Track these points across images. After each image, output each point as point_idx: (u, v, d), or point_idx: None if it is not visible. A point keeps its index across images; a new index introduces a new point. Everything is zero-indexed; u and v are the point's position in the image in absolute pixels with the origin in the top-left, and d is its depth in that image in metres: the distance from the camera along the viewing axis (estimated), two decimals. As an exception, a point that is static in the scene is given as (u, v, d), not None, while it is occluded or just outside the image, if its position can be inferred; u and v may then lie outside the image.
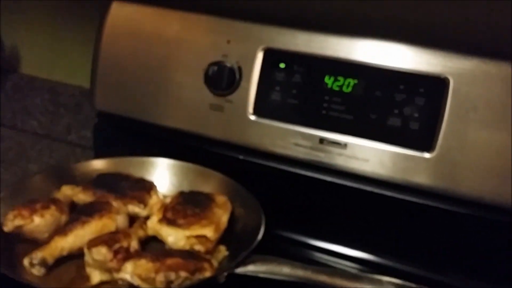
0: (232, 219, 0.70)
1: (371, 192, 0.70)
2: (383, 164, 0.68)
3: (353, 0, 0.77)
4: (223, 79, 0.74)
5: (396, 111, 0.67)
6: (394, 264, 0.70)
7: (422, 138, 0.66)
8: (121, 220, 0.67)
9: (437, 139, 0.65)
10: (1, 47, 1.08)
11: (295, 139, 0.72)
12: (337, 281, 0.54)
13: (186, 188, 0.75)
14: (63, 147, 1.03)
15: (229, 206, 0.71)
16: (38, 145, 1.03)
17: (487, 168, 0.64)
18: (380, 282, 0.53)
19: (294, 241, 0.74)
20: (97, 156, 0.87)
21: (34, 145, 1.03)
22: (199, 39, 0.76)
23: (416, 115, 0.66)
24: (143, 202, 0.71)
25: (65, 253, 0.62)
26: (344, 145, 0.70)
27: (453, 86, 0.65)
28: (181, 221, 0.66)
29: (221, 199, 0.71)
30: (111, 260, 0.58)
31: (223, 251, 0.65)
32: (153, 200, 0.71)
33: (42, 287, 0.58)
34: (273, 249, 0.61)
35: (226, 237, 0.67)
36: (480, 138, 0.64)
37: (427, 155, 0.66)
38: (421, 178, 0.67)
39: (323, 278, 0.55)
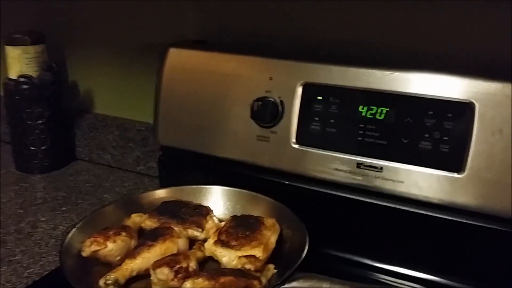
0: (280, 240, 0.77)
1: (407, 211, 0.75)
2: (417, 185, 0.73)
3: (378, 33, 0.83)
4: (267, 113, 0.82)
5: (426, 135, 0.72)
6: (430, 277, 0.74)
7: (452, 160, 0.71)
8: (181, 243, 0.76)
9: (466, 160, 0.70)
10: (78, 91, 1.22)
11: (334, 164, 0.78)
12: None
13: (238, 212, 0.83)
14: (133, 177, 1.15)
15: (277, 228, 0.78)
16: (111, 176, 1.16)
17: (516, 185, 0.67)
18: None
19: (337, 258, 0.80)
20: (162, 184, 0.97)
21: (108, 177, 1.15)
22: (245, 77, 0.84)
23: (445, 138, 0.71)
24: (201, 226, 0.79)
25: (134, 274, 0.71)
26: (380, 168, 0.75)
27: (479, 110, 0.69)
28: (233, 243, 0.74)
29: (269, 221, 0.79)
30: (173, 279, 0.67)
31: (271, 270, 0.72)
32: (209, 225, 0.79)
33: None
34: (317, 266, 0.68)
35: (275, 256, 0.74)
36: (506, 157, 0.67)
37: (457, 175, 0.71)
38: (453, 197, 0.71)
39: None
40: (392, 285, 0.68)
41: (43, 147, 1.14)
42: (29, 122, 1.12)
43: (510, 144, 0.67)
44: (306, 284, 0.64)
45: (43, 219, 0.97)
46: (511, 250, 0.69)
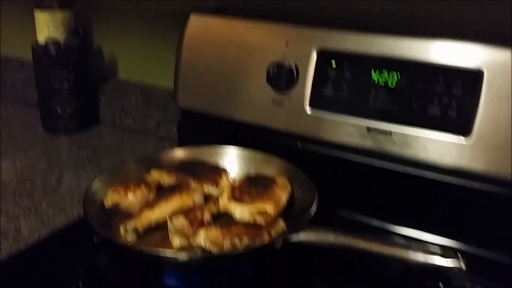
0: (291, 199, 0.81)
1: (415, 175, 0.78)
2: (424, 149, 0.76)
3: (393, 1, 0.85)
4: (282, 78, 0.85)
5: (436, 101, 0.75)
6: (435, 238, 0.77)
7: (460, 125, 0.73)
8: (197, 197, 0.80)
9: (473, 125, 0.72)
10: (102, 56, 1.26)
11: (346, 128, 0.82)
12: (374, 247, 0.63)
13: (252, 172, 0.87)
14: (154, 141, 1.19)
15: (288, 187, 0.82)
16: (133, 140, 1.20)
17: (520, 150, 0.70)
18: (411, 247, 0.62)
19: (345, 219, 0.83)
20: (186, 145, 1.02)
21: (130, 139, 1.20)
22: (262, 43, 0.87)
23: (453, 104, 0.74)
24: (216, 183, 0.83)
25: (152, 223, 0.76)
26: (389, 133, 0.78)
27: (487, 77, 0.71)
28: (246, 199, 0.78)
29: (281, 181, 0.82)
30: (188, 228, 0.71)
31: (281, 225, 0.75)
32: (224, 182, 0.83)
33: (134, 247, 0.72)
34: (326, 225, 0.71)
35: (286, 214, 0.78)
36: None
37: (464, 140, 0.73)
38: (460, 161, 0.74)
39: (361, 243, 0.64)
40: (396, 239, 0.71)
41: (69, 110, 1.19)
42: (56, 84, 1.16)
43: (516, 110, 0.69)
44: (312, 235, 0.68)
45: (68, 174, 1.02)
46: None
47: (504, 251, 0.74)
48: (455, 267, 0.58)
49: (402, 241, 0.63)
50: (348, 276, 0.74)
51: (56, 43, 1.13)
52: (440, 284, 0.71)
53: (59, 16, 1.14)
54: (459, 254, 0.60)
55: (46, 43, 1.14)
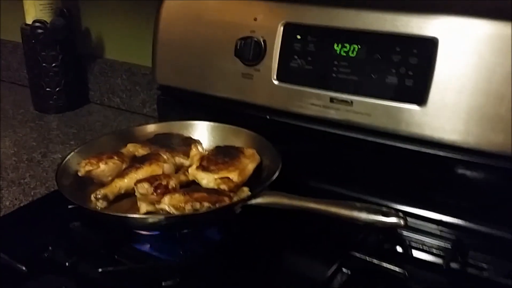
0: (260, 169, 0.84)
1: (373, 142, 0.80)
2: (383, 117, 0.78)
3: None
4: (250, 52, 0.87)
5: (393, 71, 0.77)
6: (394, 205, 0.80)
7: (416, 93, 0.75)
8: (167, 168, 0.83)
9: (428, 94, 0.74)
10: (89, 37, 1.30)
11: (310, 99, 0.84)
12: (322, 207, 0.66)
13: (222, 144, 0.90)
14: (139, 118, 1.23)
15: (256, 157, 0.85)
16: (120, 117, 1.24)
17: (473, 117, 0.72)
18: (356, 207, 0.65)
19: (312, 186, 0.86)
20: (161, 121, 1.05)
21: (117, 117, 1.24)
22: (232, 19, 0.90)
23: (410, 73, 0.76)
24: (187, 154, 0.87)
25: (122, 191, 0.79)
26: (350, 103, 0.81)
27: (442, 46, 0.73)
28: (213, 168, 0.81)
29: (249, 151, 0.85)
30: (152, 194, 0.74)
31: (246, 191, 0.78)
32: (193, 152, 0.87)
33: (100, 212, 0.75)
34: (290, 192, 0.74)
35: (254, 182, 0.81)
36: (466, 91, 0.72)
37: (420, 108, 0.75)
38: (415, 128, 0.76)
39: (311, 204, 0.67)
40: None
41: (58, 89, 1.23)
42: (44, 64, 1.21)
43: (470, 78, 0.71)
44: (269, 199, 0.71)
45: (53, 150, 1.06)
46: (467, 177, 0.74)
47: (450, 211, 0.77)
48: (396, 224, 0.61)
49: (349, 202, 0.66)
50: (310, 240, 0.77)
51: (42, 23, 1.17)
52: (397, 247, 0.74)
53: (45, -3, 1.18)
54: (400, 213, 0.62)
55: (33, 24, 1.17)
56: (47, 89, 1.23)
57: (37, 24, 1.17)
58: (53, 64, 1.21)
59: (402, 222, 0.61)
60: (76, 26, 1.27)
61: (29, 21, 1.19)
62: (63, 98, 1.25)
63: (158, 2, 0.98)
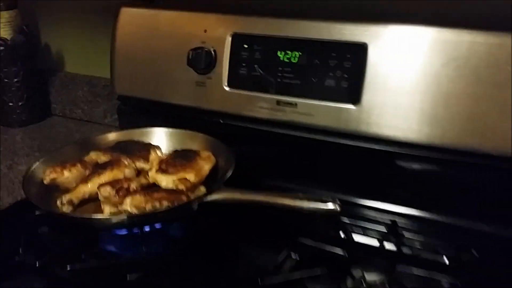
0: (216, 170, 0.91)
1: (316, 139, 0.88)
2: (325, 117, 0.86)
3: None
4: (202, 61, 0.94)
5: (331, 74, 0.85)
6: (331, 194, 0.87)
7: (351, 94, 0.84)
8: (128, 172, 0.89)
9: (361, 94, 0.83)
10: (49, 51, 1.34)
11: (259, 103, 0.91)
12: (269, 199, 0.74)
13: (180, 148, 0.96)
14: (101, 129, 1.28)
15: (212, 159, 0.92)
16: (82, 128, 1.29)
17: (401, 113, 0.80)
18: (299, 197, 0.72)
19: (263, 183, 0.93)
20: (122, 129, 1.11)
21: (79, 128, 1.29)
22: (183, 31, 0.97)
23: (345, 75, 0.84)
24: (146, 159, 0.93)
25: (86, 196, 0.85)
26: (295, 104, 0.88)
27: (371, 50, 0.82)
28: (171, 170, 0.87)
29: (205, 153, 0.92)
30: (115, 196, 0.80)
31: (202, 190, 0.85)
32: (153, 157, 0.93)
33: (66, 215, 0.81)
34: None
35: (211, 182, 0.88)
36: (397, 89, 0.80)
37: (354, 107, 0.83)
38: (353, 125, 0.84)
39: (260, 197, 0.75)
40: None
41: (20, 103, 1.28)
42: (6, 80, 1.25)
43: (399, 78, 0.80)
44: (223, 195, 0.78)
45: (18, 162, 1.11)
46: (399, 167, 0.83)
47: (385, 199, 0.87)
48: (333, 210, 0.69)
49: (293, 193, 0.73)
50: (262, 231, 0.84)
51: (3, 40, 1.21)
52: (340, 232, 0.82)
53: (5, 16, 1.22)
54: (337, 201, 0.70)
55: (-6, 41, 1.22)
56: (10, 103, 1.27)
57: (-2, 41, 1.21)
58: (15, 80, 1.25)
59: (338, 208, 0.69)
60: (36, 42, 1.32)
61: (-11, 39, 1.23)
62: (26, 112, 1.29)
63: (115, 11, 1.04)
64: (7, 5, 1.23)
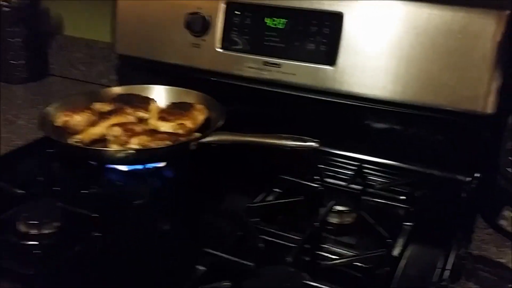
0: (208, 121, 1.04)
1: (298, 96, 1.02)
2: (305, 76, 1.00)
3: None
4: (198, 25, 1.07)
5: (311, 39, 0.99)
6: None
7: (328, 56, 0.98)
8: (131, 119, 1.01)
9: (337, 56, 0.97)
10: (50, 15, 1.44)
11: (248, 63, 1.05)
12: (257, 139, 0.88)
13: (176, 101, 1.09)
14: (98, 88, 1.38)
15: (204, 111, 1.04)
16: (79, 87, 1.40)
17: (369, 73, 0.95)
18: (283, 137, 0.86)
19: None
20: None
21: (76, 87, 1.40)
22: (181, -2, 1.09)
23: (324, 40, 0.98)
24: (146, 109, 1.05)
25: (95, 137, 0.97)
26: (279, 65, 1.02)
27: (346, 19, 0.96)
28: (170, 117, 1.00)
29: (199, 106, 1.04)
30: (123, 135, 0.93)
31: (197, 135, 0.98)
32: (152, 107, 1.05)
33: (83, 147, 0.93)
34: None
35: (203, 131, 1.01)
36: (367, 53, 0.94)
37: (331, 67, 0.98)
38: (329, 84, 0.98)
39: (249, 138, 0.89)
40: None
41: (21, 62, 1.37)
42: (9, 39, 1.34)
43: (370, 43, 0.94)
44: (216, 137, 0.91)
45: (24, 112, 1.21)
46: (367, 120, 0.98)
47: (354, 148, 1.01)
48: (312, 146, 0.83)
49: (278, 134, 0.87)
50: (247, 169, 0.97)
51: (8, 2, 1.31)
52: (315, 176, 0.96)
53: (10, -21, 1.32)
54: (315, 140, 0.84)
55: (0, 3, 1.31)
56: (11, 61, 1.37)
57: (3, 2, 1.31)
58: (18, 39, 1.35)
59: (316, 144, 0.83)
60: (38, 5, 1.41)
61: (-5, 0, 1.32)
62: (26, 71, 1.39)
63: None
64: (12, -31, 1.32)
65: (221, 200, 0.93)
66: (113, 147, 0.94)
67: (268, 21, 1.02)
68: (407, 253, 0.77)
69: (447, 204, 0.89)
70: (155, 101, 1.08)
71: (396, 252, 0.76)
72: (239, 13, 1.05)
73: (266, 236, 0.78)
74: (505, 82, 0.88)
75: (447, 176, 0.95)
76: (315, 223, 0.78)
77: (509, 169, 0.82)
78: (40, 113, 0.99)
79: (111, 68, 1.36)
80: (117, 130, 0.93)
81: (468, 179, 0.93)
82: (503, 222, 0.83)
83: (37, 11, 1.39)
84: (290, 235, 0.78)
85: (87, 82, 1.42)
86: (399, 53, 0.92)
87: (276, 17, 1.01)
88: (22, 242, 0.76)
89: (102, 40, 1.37)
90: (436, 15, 0.89)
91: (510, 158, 0.82)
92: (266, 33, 1.02)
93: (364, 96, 0.96)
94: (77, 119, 0.99)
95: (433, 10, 0.89)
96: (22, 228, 0.78)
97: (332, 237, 0.81)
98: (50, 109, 1.01)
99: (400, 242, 0.78)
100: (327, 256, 0.74)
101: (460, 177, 0.94)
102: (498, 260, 0.78)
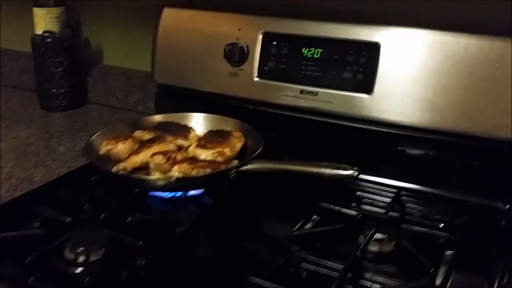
0: (245, 148, 1.06)
1: (334, 123, 1.03)
2: (342, 104, 1.02)
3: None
4: (236, 55, 1.10)
5: (348, 68, 1.01)
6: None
7: (365, 85, 0.99)
8: (172, 147, 1.04)
9: (374, 85, 0.98)
10: (90, 45, 1.49)
11: (284, 92, 1.07)
12: (298, 167, 0.89)
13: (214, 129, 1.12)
14: (134, 115, 1.42)
15: (242, 139, 1.06)
16: (117, 114, 1.44)
17: (407, 102, 0.96)
18: (323, 165, 0.88)
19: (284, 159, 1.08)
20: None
21: (114, 115, 1.44)
22: (220, 29, 1.12)
23: (360, 69, 1.00)
24: (186, 137, 1.08)
25: (137, 165, 0.99)
26: (316, 93, 1.04)
27: (383, 49, 0.97)
28: (209, 145, 1.02)
29: (236, 134, 1.07)
30: (165, 163, 0.95)
31: (235, 162, 1.00)
32: (192, 135, 1.08)
33: (127, 176, 0.95)
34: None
35: (241, 158, 1.03)
36: (403, 81, 0.96)
37: (368, 96, 0.99)
38: (365, 112, 1.00)
39: (290, 166, 0.90)
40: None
41: (62, 90, 1.42)
42: (52, 69, 1.40)
43: (405, 73, 0.95)
44: (256, 165, 0.93)
45: (66, 140, 1.25)
46: (404, 148, 0.99)
47: (390, 175, 1.02)
48: (352, 174, 0.84)
49: (317, 162, 0.88)
50: (287, 197, 0.99)
51: (52, 33, 1.36)
52: (353, 204, 0.97)
53: (53, 12, 1.38)
54: (355, 168, 0.85)
55: (44, 34, 1.37)
56: (53, 90, 1.42)
57: (47, 34, 1.36)
58: (59, 69, 1.40)
59: (355, 173, 0.84)
60: (79, 36, 1.47)
61: (39, 31, 1.38)
62: (67, 99, 1.44)
63: (157, 11, 1.19)
64: (55, 2, 1.38)
65: (260, 227, 0.95)
66: (156, 175, 0.97)
67: (305, 51, 1.05)
68: (449, 283, 0.77)
69: (487, 232, 0.89)
70: (194, 129, 1.11)
71: (438, 281, 0.76)
72: (276, 43, 1.07)
73: (307, 264, 0.79)
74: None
75: (485, 203, 0.95)
76: (356, 252, 0.78)
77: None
78: (85, 143, 1.02)
79: (148, 96, 1.40)
80: (160, 159, 0.95)
81: (507, 206, 0.93)
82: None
83: (78, 41, 1.45)
84: (331, 264, 0.79)
85: (125, 109, 1.46)
86: (436, 81, 0.93)
87: (313, 47, 1.04)
88: (70, 269, 0.78)
89: (141, 69, 1.41)
90: (473, 44, 0.90)
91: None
92: (303, 62, 1.05)
93: (401, 124, 0.97)
94: (120, 147, 1.02)
95: (471, 40, 0.90)
96: (70, 255, 0.81)
97: (372, 265, 0.82)
98: (94, 138, 1.05)
99: (442, 271, 0.78)
100: (369, 286, 0.75)
101: (499, 205, 0.94)
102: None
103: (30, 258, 0.77)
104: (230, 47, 1.10)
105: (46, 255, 0.80)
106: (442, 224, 0.89)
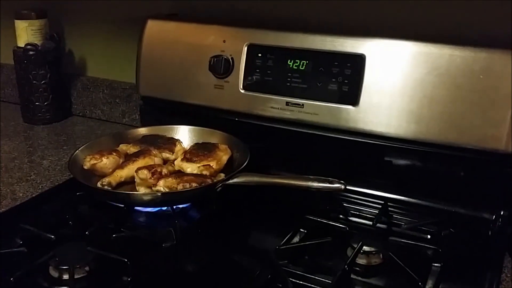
0: (231, 162, 1.06)
1: (320, 135, 1.03)
2: (327, 116, 1.01)
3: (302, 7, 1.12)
4: (221, 67, 1.09)
5: (333, 80, 1.00)
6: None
7: (350, 97, 0.99)
8: (157, 161, 1.03)
9: (359, 97, 0.98)
10: (73, 57, 1.48)
11: (270, 103, 1.06)
12: (285, 180, 0.89)
13: (200, 141, 1.11)
14: (119, 127, 1.41)
15: (228, 151, 1.06)
16: (102, 126, 1.42)
17: (393, 113, 0.96)
18: (310, 179, 0.87)
19: (273, 173, 1.08)
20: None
21: (99, 127, 1.42)
22: (204, 41, 1.11)
23: (346, 81, 0.99)
24: (172, 150, 1.07)
25: (122, 179, 0.98)
26: (302, 105, 1.03)
27: (368, 60, 0.97)
28: (195, 159, 1.01)
29: (222, 146, 1.06)
30: (150, 178, 0.94)
31: (222, 176, 0.99)
32: (178, 148, 1.07)
33: (111, 191, 0.94)
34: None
35: (227, 171, 1.02)
36: (389, 93, 0.96)
37: (353, 107, 0.99)
38: (351, 123, 1.00)
39: (276, 179, 0.90)
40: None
41: (46, 103, 1.40)
42: (35, 82, 1.38)
43: (391, 85, 0.95)
44: (243, 179, 0.92)
45: (49, 154, 1.23)
46: (390, 159, 0.99)
47: (377, 186, 1.02)
48: (338, 187, 0.84)
49: (304, 175, 0.88)
50: (274, 210, 0.98)
51: (34, 46, 1.35)
52: (340, 215, 0.97)
53: (36, 24, 1.36)
54: (341, 182, 0.85)
55: (26, 46, 1.35)
56: (37, 103, 1.40)
57: (29, 46, 1.35)
58: (43, 81, 1.38)
59: (342, 186, 0.84)
60: (62, 48, 1.45)
61: (21, 44, 1.36)
62: (50, 111, 1.42)
63: (141, 23, 1.18)
64: (37, 14, 1.36)
65: (248, 241, 0.94)
66: (141, 189, 0.96)
67: (290, 62, 1.04)
68: (437, 295, 0.77)
69: (474, 243, 0.89)
70: (181, 142, 1.10)
71: (427, 294, 0.76)
72: (261, 55, 1.07)
73: (295, 279, 0.78)
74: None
75: (472, 214, 0.95)
76: (345, 266, 0.78)
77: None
78: (69, 157, 1.01)
79: (133, 107, 1.39)
80: (145, 173, 0.94)
81: (494, 217, 0.93)
82: (532, 262, 0.83)
83: (62, 53, 1.43)
84: (319, 278, 0.79)
85: (109, 121, 1.44)
86: (421, 93, 0.93)
87: (298, 59, 1.03)
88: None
89: (125, 81, 1.39)
90: (457, 56, 0.90)
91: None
92: (289, 74, 1.04)
93: (387, 136, 0.97)
94: (105, 162, 1.01)
95: (455, 51, 0.90)
96: (54, 273, 0.80)
97: (360, 278, 0.82)
98: (78, 152, 1.03)
99: (429, 284, 0.78)
100: (358, 300, 0.75)
101: (486, 215, 0.94)
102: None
103: (15, 276, 0.76)
104: (215, 59, 1.09)
105: (31, 272, 0.79)
106: (429, 236, 0.90)
